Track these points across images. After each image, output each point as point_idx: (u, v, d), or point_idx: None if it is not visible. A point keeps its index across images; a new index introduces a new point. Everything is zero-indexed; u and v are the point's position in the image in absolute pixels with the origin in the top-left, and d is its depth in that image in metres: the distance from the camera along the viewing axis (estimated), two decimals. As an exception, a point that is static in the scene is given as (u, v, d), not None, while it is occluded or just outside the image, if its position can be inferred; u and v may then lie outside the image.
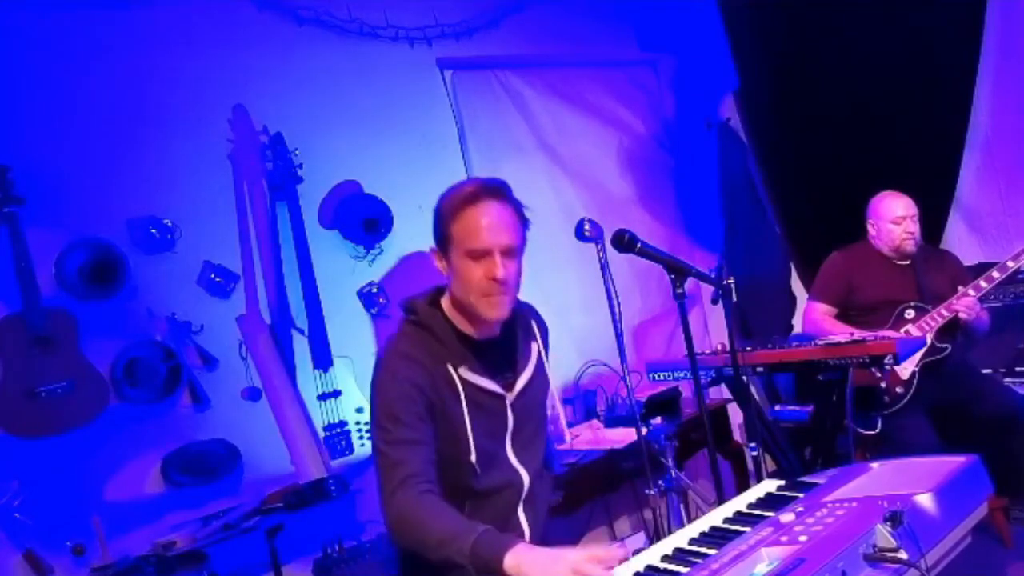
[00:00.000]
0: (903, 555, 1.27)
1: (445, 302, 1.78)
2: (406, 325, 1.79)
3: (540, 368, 1.88)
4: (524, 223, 1.73)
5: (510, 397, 1.79)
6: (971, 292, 2.95)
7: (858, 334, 2.77)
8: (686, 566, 1.38)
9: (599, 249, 2.70)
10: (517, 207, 1.72)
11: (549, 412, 1.98)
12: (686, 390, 3.41)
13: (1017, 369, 3.28)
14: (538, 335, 1.91)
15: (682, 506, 2.85)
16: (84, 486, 2.61)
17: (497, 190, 1.70)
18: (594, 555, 1.38)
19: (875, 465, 1.72)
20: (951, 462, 1.57)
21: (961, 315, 2.95)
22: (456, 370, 1.72)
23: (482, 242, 1.65)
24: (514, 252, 1.69)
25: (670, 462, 2.75)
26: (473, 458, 1.72)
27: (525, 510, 1.82)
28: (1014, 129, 3.53)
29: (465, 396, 1.71)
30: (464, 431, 1.71)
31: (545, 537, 1.88)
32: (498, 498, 1.78)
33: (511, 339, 1.83)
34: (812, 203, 4.04)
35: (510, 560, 1.40)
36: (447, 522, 1.54)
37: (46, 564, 2.51)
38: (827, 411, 2.91)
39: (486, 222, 1.65)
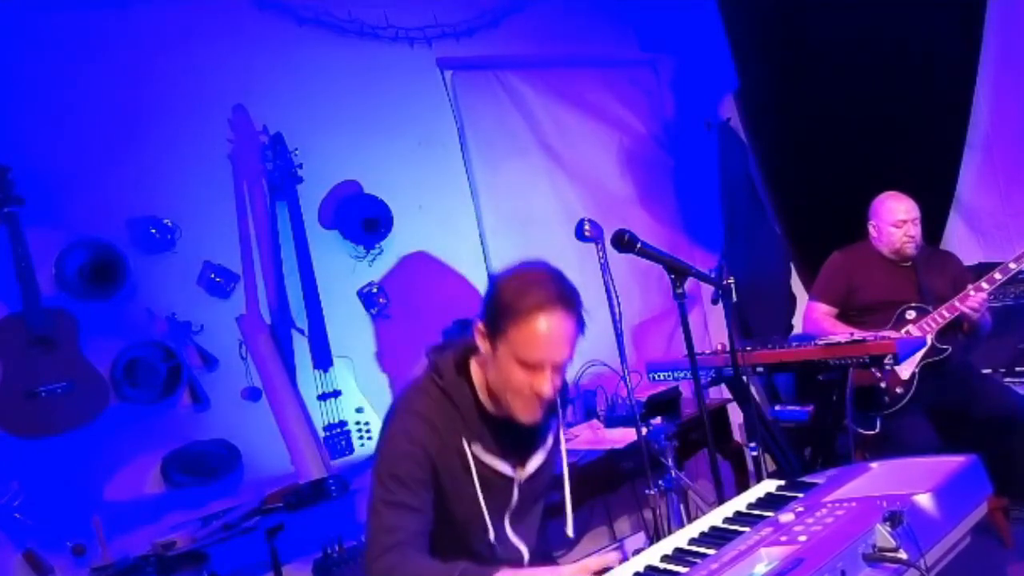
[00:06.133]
0: (902, 555, 1.27)
1: (475, 371, 1.70)
2: (429, 383, 1.71)
3: (556, 447, 1.83)
4: (582, 331, 1.64)
5: (520, 478, 1.74)
6: (972, 292, 2.94)
7: (858, 334, 2.76)
8: (686, 566, 1.39)
9: (599, 249, 2.70)
10: (580, 318, 1.62)
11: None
12: (686, 390, 3.41)
13: (1017, 369, 3.28)
14: (559, 405, 1.81)
15: (682, 506, 2.84)
16: (84, 486, 2.61)
17: (568, 301, 1.59)
18: (585, 566, 1.39)
19: (875, 465, 1.72)
20: (951, 462, 1.57)
21: (970, 314, 2.94)
22: (470, 445, 1.67)
23: (538, 356, 1.57)
24: (565, 366, 1.64)
25: (670, 462, 2.75)
26: (492, 537, 1.69)
27: None
28: (1014, 129, 3.52)
29: (477, 474, 1.67)
30: (478, 510, 1.67)
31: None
32: None
33: None
34: (812, 203, 4.03)
35: None
36: (427, 571, 1.52)
37: (46, 564, 2.51)
38: (827, 411, 2.91)
39: (547, 336, 1.55)
